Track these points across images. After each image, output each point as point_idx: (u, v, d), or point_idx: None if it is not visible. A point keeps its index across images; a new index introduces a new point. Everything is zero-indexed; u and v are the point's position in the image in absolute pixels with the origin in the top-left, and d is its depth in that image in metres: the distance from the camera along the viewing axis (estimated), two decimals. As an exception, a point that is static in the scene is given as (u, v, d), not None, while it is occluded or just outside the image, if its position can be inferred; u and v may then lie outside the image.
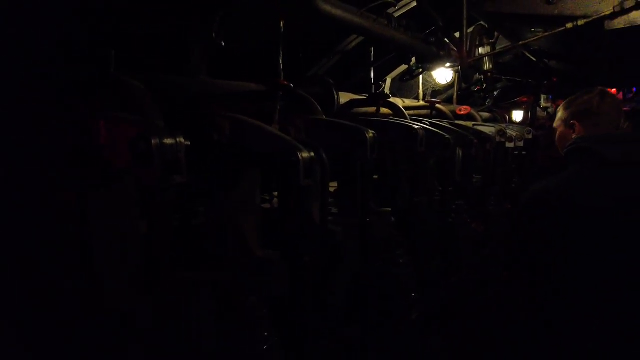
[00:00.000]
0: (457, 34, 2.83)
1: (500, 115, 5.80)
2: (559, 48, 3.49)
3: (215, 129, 1.50)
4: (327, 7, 1.52)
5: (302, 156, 1.42)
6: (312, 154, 1.48)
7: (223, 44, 1.83)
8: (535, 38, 2.71)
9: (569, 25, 2.23)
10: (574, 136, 1.84)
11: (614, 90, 6.78)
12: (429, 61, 2.55)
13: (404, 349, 2.17)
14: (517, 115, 6.64)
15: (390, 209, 2.34)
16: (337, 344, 1.84)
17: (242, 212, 1.63)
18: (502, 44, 3.71)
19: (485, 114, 5.40)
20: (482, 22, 2.93)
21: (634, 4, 2.12)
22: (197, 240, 1.74)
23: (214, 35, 1.80)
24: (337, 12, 1.57)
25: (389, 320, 2.13)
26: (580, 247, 1.60)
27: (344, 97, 3.26)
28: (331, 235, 1.88)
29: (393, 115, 2.96)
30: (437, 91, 4.67)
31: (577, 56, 3.56)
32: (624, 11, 2.10)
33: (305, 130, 1.97)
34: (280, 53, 2.29)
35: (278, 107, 1.92)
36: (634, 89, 7.62)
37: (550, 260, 1.68)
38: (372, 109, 3.17)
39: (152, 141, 0.96)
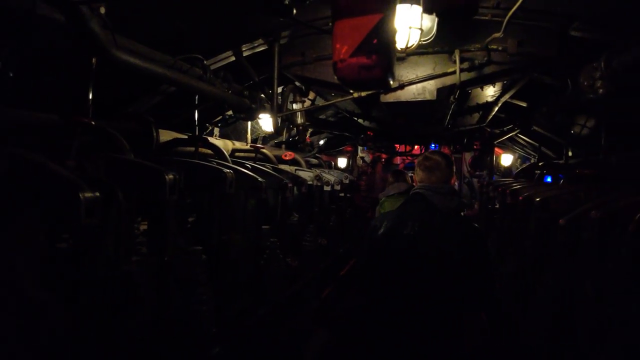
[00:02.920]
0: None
1: (327, 161, 6.53)
2: (363, 110, 4.18)
3: (-13, 164, 1.42)
4: (124, 56, 1.60)
5: (84, 196, 1.44)
6: (97, 194, 1.51)
7: (11, 74, 1.75)
8: (334, 101, 3.25)
9: (355, 95, 2.76)
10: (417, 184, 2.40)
11: (444, 149, 8.35)
12: (242, 112, 2.81)
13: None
14: (342, 162, 7.57)
15: (200, 248, 2.43)
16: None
17: (17, 252, 1.54)
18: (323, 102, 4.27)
19: (314, 160, 6.02)
20: (297, 82, 3.36)
21: (397, 85, 2.77)
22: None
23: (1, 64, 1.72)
24: (136, 61, 1.66)
25: (189, 356, 2.17)
26: (383, 253, 2.25)
27: (169, 135, 3.30)
28: (127, 275, 1.88)
29: (213, 157, 3.12)
30: (268, 137, 5.06)
31: (375, 118, 4.32)
32: (392, 89, 2.72)
33: (105, 168, 1.97)
34: (90, 88, 2.27)
35: (75, 143, 1.89)
36: (434, 146, 9.40)
37: (371, 260, 2.32)
38: (202, 149, 3.28)
39: None
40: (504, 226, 4.12)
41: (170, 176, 1.92)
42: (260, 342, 2.91)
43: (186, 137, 3.19)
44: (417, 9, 2.21)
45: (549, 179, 6.26)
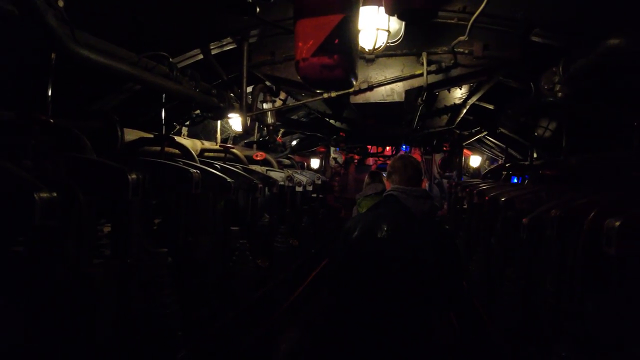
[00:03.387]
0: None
1: (300, 162, 6.52)
2: (334, 110, 4.20)
3: None
4: (84, 52, 1.55)
5: (39, 196, 1.38)
6: (55, 194, 1.45)
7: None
8: (304, 101, 3.25)
9: (325, 95, 2.77)
10: (390, 186, 2.40)
11: (416, 153, 8.50)
12: (210, 111, 2.77)
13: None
14: (315, 163, 7.59)
15: (165, 250, 2.37)
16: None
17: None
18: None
19: (286, 161, 6.00)
20: (267, 81, 3.34)
21: (366, 86, 2.80)
22: None
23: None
24: (97, 57, 1.61)
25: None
26: (357, 256, 2.24)
27: (135, 135, 3.22)
28: (87, 278, 1.82)
29: (181, 156, 3.06)
30: (239, 137, 5.00)
31: (346, 119, 4.35)
32: (361, 90, 2.75)
33: (66, 168, 1.90)
34: (50, 85, 2.19)
35: (32, 142, 1.82)
36: (405, 148, 9.56)
37: (346, 262, 2.29)
38: (168, 148, 3.21)
39: None
40: (471, 225, 4.22)
41: (134, 176, 1.86)
42: (228, 345, 2.87)
43: (152, 136, 3.12)
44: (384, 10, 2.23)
45: (515, 180, 6.46)
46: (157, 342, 2.14)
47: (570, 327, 1.86)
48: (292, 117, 5.46)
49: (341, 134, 6.23)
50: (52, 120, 1.91)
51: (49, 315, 1.64)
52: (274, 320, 3.69)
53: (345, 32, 1.52)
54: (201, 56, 2.79)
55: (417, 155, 8.63)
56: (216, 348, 2.69)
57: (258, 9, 1.81)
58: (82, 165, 1.91)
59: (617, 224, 1.44)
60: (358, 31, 1.88)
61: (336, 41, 1.48)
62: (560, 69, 2.35)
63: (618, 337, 1.54)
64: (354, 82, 1.67)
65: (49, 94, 2.16)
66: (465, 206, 4.79)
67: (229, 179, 2.87)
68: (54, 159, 1.91)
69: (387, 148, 7.86)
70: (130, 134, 3.20)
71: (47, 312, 1.64)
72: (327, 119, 4.39)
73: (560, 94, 2.38)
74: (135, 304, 2.08)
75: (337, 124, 4.50)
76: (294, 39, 1.63)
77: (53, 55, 2.10)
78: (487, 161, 9.21)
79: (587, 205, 1.96)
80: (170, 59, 2.33)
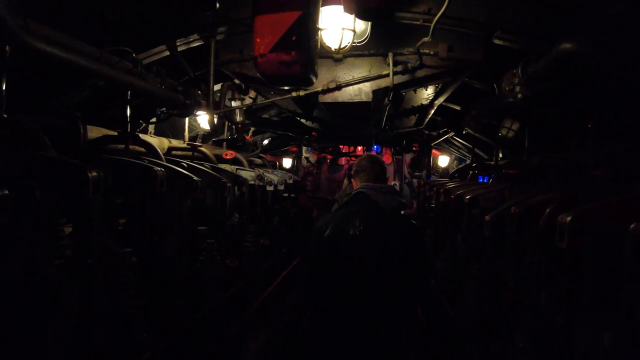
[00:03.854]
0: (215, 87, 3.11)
1: (272, 161, 6.49)
2: (304, 110, 4.21)
3: None
4: (39, 44, 1.49)
5: (-12, 193, 1.33)
6: (6, 191, 1.40)
7: None
8: (273, 99, 3.24)
9: (294, 94, 2.77)
10: (357, 185, 2.41)
11: (385, 156, 8.57)
12: (175, 108, 2.72)
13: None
14: (287, 162, 7.58)
15: (130, 249, 2.32)
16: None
17: None
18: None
19: (258, 160, 5.96)
20: (236, 79, 3.31)
21: (334, 85, 2.83)
22: None
23: None
24: (53, 50, 1.56)
25: (116, 363, 2.07)
26: (330, 254, 2.25)
27: (99, 132, 3.13)
28: (46, 279, 1.76)
29: (146, 154, 2.99)
30: (208, 135, 4.93)
31: (317, 118, 4.37)
32: (329, 90, 2.77)
33: (22, 166, 1.83)
34: (4, 79, 2.10)
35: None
36: (376, 148, 9.66)
37: (318, 260, 2.30)
38: (133, 146, 3.14)
39: None
40: (439, 223, 4.32)
41: (94, 173, 1.81)
42: (195, 346, 2.83)
43: (117, 133, 3.04)
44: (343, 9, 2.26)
45: (482, 179, 6.63)
46: (121, 343, 2.09)
47: (527, 318, 1.93)
48: (264, 116, 5.43)
49: (313, 133, 6.25)
50: (5, 115, 1.84)
51: (4, 318, 1.58)
52: (244, 321, 3.66)
53: (304, 29, 1.53)
54: (167, 52, 2.74)
55: (388, 155, 8.74)
56: (183, 349, 2.65)
57: (218, 5, 1.80)
58: (38, 163, 1.84)
59: (569, 219, 1.50)
60: (318, 29, 1.89)
61: (294, 38, 1.49)
62: (520, 71, 2.44)
63: (569, 327, 1.62)
64: (314, 79, 1.69)
65: (3, 88, 2.08)
66: (433, 205, 4.89)
67: (195, 178, 2.83)
68: (8, 155, 1.84)
69: (359, 148, 7.94)
70: (94, 132, 3.11)
71: (2, 314, 1.58)
72: (298, 118, 4.39)
73: (520, 95, 2.47)
74: (98, 305, 2.02)
75: (308, 124, 4.51)
76: (253, 35, 1.63)
77: (7, 48, 2.03)
78: (456, 161, 9.43)
79: (545, 202, 2.04)
80: (135, 55, 2.28)
